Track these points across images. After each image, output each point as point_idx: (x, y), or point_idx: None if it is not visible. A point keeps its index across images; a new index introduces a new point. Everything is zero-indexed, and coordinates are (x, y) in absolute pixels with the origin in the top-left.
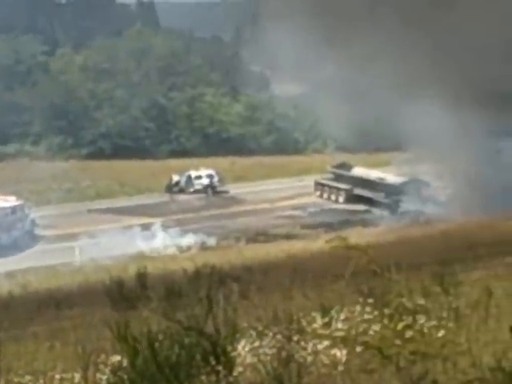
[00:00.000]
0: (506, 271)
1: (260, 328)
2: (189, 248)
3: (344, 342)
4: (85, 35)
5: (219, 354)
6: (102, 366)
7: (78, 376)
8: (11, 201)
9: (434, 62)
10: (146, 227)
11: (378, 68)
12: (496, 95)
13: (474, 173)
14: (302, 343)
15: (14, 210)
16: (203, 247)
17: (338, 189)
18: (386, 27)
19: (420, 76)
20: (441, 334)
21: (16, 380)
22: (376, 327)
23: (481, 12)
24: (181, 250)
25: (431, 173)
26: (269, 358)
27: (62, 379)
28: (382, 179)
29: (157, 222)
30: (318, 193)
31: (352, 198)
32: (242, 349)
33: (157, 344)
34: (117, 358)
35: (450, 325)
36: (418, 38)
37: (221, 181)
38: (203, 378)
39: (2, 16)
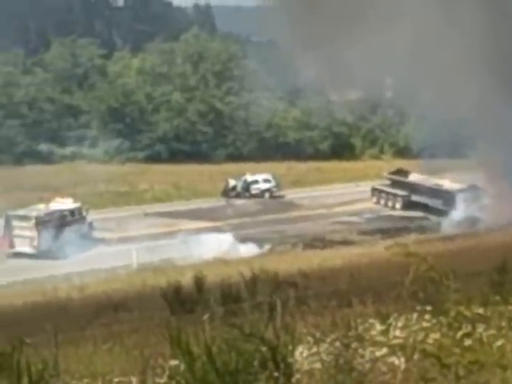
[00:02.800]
0: None
1: (317, 334)
2: (245, 253)
3: (402, 349)
4: (142, 39)
5: (278, 361)
6: (159, 371)
7: (135, 380)
8: (69, 203)
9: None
10: (202, 231)
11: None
12: None
13: None
14: (360, 350)
15: (71, 212)
16: (260, 252)
17: (395, 195)
18: None
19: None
20: (500, 343)
21: (74, 382)
22: (434, 335)
23: None
24: (237, 254)
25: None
26: (326, 364)
27: (119, 382)
28: (439, 186)
29: (213, 227)
30: (375, 199)
31: (409, 205)
32: (300, 355)
33: (214, 349)
34: (174, 362)
35: (510, 334)
36: None
37: (277, 185)
38: None
39: (60, 19)
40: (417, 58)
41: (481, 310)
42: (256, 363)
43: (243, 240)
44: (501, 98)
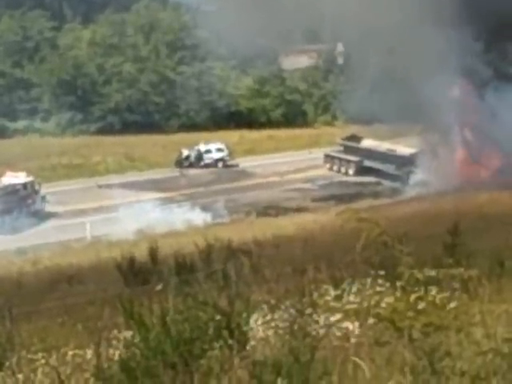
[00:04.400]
0: None
1: (272, 302)
2: (199, 222)
3: (356, 314)
4: (92, 10)
5: (233, 329)
6: (114, 342)
7: (90, 352)
8: (22, 177)
9: None
10: (156, 202)
11: None
12: None
13: None
14: (315, 316)
15: (24, 186)
16: (214, 221)
17: (348, 161)
18: None
19: None
20: (453, 305)
21: (29, 356)
22: (388, 299)
23: None
24: (191, 224)
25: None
26: (281, 331)
27: (74, 355)
28: (392, 151)
29: (167, 197)
30: (328, 165)
31: (362, 170)
32: (254, 323)
33: (169, 319)
34: (129, 333)
35: (463, 296)
36: None
37: (230, 154)
38: (216, 352)
39: None
40: (365, 20)
41: (433, 273)
42: (210, 332)
43: (197, 210)
44: (448, 65)
